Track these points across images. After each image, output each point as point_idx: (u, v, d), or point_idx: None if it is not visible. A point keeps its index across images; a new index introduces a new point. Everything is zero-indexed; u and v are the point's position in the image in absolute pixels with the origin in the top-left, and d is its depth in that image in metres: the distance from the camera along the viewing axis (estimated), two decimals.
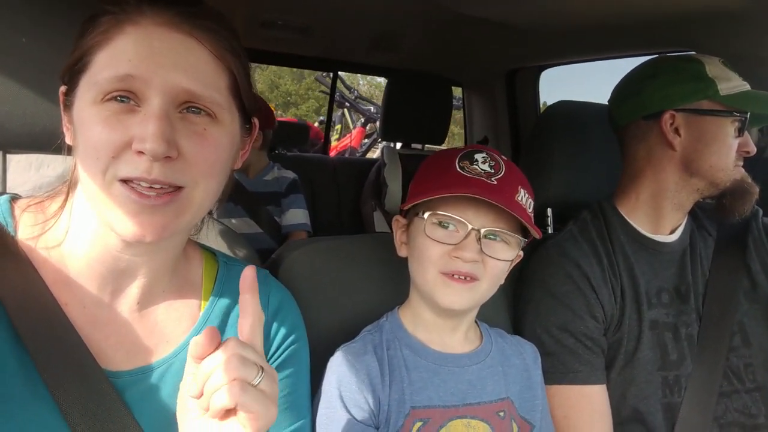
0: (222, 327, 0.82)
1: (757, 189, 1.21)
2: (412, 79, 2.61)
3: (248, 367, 0.61)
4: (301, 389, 0.88)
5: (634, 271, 1.20)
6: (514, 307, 1.27)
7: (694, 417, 1.13)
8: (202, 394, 0.61)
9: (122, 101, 0.66)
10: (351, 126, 6.50)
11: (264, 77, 18.94)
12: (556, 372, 1.13)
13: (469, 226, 0.93)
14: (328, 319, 1.09)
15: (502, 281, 1.00)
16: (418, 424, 0.93)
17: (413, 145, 2.77)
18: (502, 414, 0.98)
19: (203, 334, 0.61)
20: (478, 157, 0.98)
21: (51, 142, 0.77)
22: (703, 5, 1.32)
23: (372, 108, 6.01)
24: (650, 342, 1.16)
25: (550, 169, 1.45)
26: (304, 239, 2.10)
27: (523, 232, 0.99)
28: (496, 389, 0.99)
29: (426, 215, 0.96)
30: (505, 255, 0.97)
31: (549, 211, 1.74)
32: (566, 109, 1.53)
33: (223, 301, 0.83)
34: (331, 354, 0.98)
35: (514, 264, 1.02)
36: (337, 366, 0.95)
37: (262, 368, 0.62)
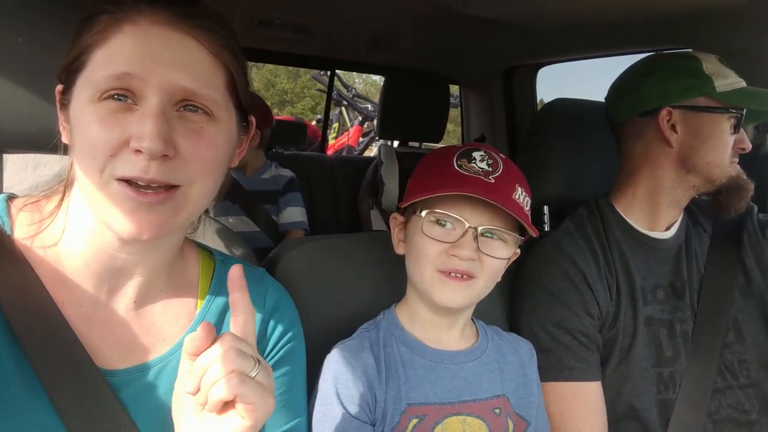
0: (218, 325, 0.82)
1: (752, 185, 1.22)
2: (410, 78, 2.61)
3: (245, 359, 0.62)
4: (297, 387, 0.89)
5: (630, 268, 1.21)
6: (511, 304, 1.27)
7: (688, 413, 1.13)
8: (198, 390, 0.61)
9: (119, 100, 0.66)
10: (348, 124, 6.49)
11: (260, 76, 18.98)
12: (551, 369, 1.14)
13: (467, 225, 0.93)
14: (324, 317, 1.09)
15: (499, 279, 1.01)
16: (414, 420, 0.93)
17: (410, 143, 2.77)
18: (497, 411, 0.98)
19: (199, 330, 0.62)
20: (476, 155, 0.98)
21: (48, 142, 0.77)
22: (700, 3, 1.33)
23: (369, 106, 6.00)
24: (645, 338, 1.17)
25: (547, 167, 1.45)
26: (302, 238, 2.10)
27: (521, 230, 0.99)
28: (491, 386, 1.00)
29: (423, 213, 0.96)
30: (502, 253, 0.97)
31: (546, 208, 1.75)
32: (563, 106, 1.53)
33: (220, 300, 0.83)
34: (328, 352, 0.98)
35: (511, 262, 1.02)
36: (334, 363, 0.95)
37: (258, 361, 0.63)
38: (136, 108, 0.66)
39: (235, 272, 0.66)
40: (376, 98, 6.25)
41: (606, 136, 1.36)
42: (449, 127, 2.75)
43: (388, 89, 2.60)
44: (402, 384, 0.95)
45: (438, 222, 0.96)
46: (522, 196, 0.97)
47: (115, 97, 0.66)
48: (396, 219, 1.07)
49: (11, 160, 1.12)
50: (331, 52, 2.67)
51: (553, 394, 1.13)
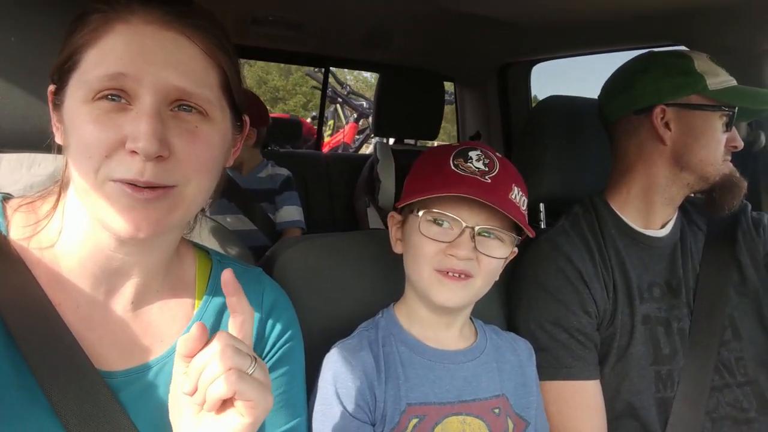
0: (216, 325, 0.82)
1: (745, 183, 1.23)
2: (405, 75, 2.61)
3: (242, 356, 0.62)
4: (296, 387, 0.88)
5: (626, 266, 1.21)
6: (508, 303, 1.27)
7: (686, 411, 1.14)
8: (196, 390, 0.61)
9: (113, 100, 0.66)
10: (343, 121, 6.48)
11: (252, 73, 19.04)
12: (549, 367, 1.14)
13: (464, 224, 0.93)
14: (322, 316, 1.09)
15: (497, 278, 1.01)
16: (414, 420, 0.93)
17: (406, 141, 2.77)
18: (497, 411, 0.99)
19: (192, 331, 0.62)
20: (473, 154, 0.98)
21: (42, 141, 0.76)
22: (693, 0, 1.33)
23: (364, 103, 5.99)
24: (643, 337, 1.17)
25: (543, 165, 1.45)
26: (299, 236, 2.10)
27: (518, 229, 0.99)
28: (491, 386, 1.00)
29: (421, 213, 0.96)
30: (499, 252, 0.97)
31: (541, 206, 1.75)
32: (558, 103, 1.53)
33: (217, 300, 0.83)
34: (326, 351, 0.98)
35: (508, 261, 1.03)
36: (333, 362, 0.95)
37: (255, 359, 0.63)
38: (131, 108, 0.66)
39: (227, 276, 0.65)
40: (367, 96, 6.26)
41: (601, 133, 1.37)
42: (442, 124, 2.75)
43: (383, 86, 2.60)
44: (401, 383, 0.95)
45: (435, 222, 0.96)
46: (518, 196, 0.97)
47: (109, 97, 0.65)
48: (393, 218, 1.07)
49: (5, 159, 1.11)
50: (325, 50, 2.66)
51: (552, 393, 1.13)
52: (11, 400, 0.65)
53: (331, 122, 6.53)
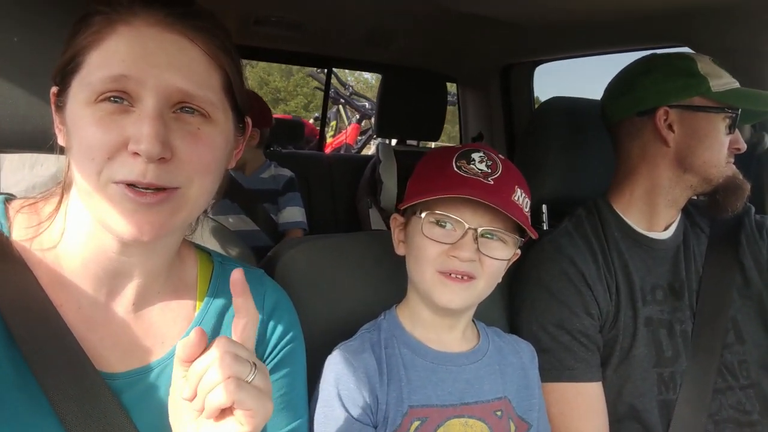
0: (217, 327, 0.82)
1: (748, 185, 1.22)
2: (407, 75, 2.61)
3: (242, 364, 0.61)
4: (297, 388, 0.88)
5: (629, 268, 1.21)
6: (510, 305, 1.27)
7: (689, 414, 1.14)
8: (195, 396, 0.61)
9: (116, 102, 0.65)
10: (346, 122, 6.48)
11: (253, 74, 19.17)
12: (552, 369, 1.14)
13: (466, 226, 0.93)
14: (324, 318, 1.09)
15: (500, 280, 1.01)
16: (416, 423, 0.93)
17: (408, 142, 2.77)
18: (499, 413, 0.98)
19: (191, 336, 0.61)
20: (475, 156, 0.98)
21: (44, 141, 0.76)
22: (696, 0, 1.33)
23: (367, 104, 5.99)
24: (645, 339, 1.17)
25: (545, 166, 1.45)
26: (301, 237, 2.10)
27: (521, 231, 0.98)
28: (493, 388, 1.00)
29: (423, 215, 0.96)
30: (502, 254, 0.97)
31: (544, 207, 1.75)
32: (561, 105, 1.53)
33: (218, 302, 0.83)
34: (328, 353, 0.98)
35: (511, 263, 1.02)
36: (335, 364, 0.95)
37: (255, 365, 0.63)
38: (133, 110, 0.66)
39: (237, 276, 0.65)
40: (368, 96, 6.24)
41: (603, 135, 1.36)
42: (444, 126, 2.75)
43: (385, 87, 2.60)
44: (404, 385, 0.95)
45: (438, 223, 0.96)
46: (521, 198, 0.97)
47: (112, 99, 0.65)
48: (396, 220, 1.06)
49: (7, 159, 1.12)
50: (327, 50, 2.66)
51: (554, 395, 1.13)
52: (12, 401, 0.65)
53: (333, 123, 6.52)
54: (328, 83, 3.43)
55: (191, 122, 0.69)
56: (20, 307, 0.68)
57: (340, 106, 6.41)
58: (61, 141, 0.72)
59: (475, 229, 0.93)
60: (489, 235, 0.95)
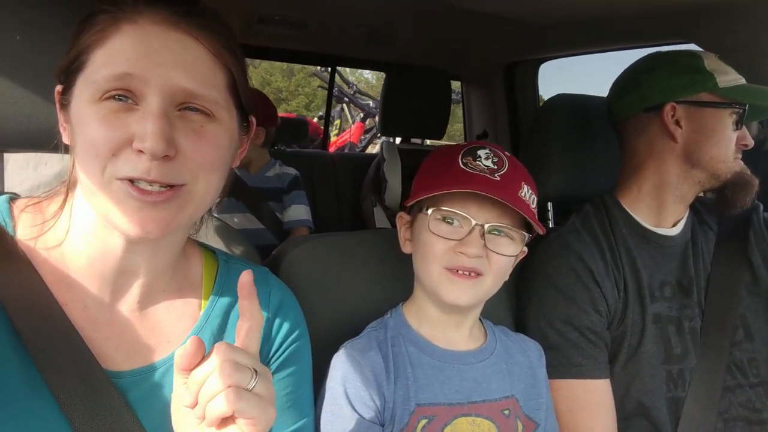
0: (222, 326, 0.82)
1: (756, 181, 1.22)
2: (411, 74, 2.60)
3: (242, 372, 0.60)
4: (303, 387, 0.88)
5: (637, 265, 1.20)
6: (517, 302, 1.27)
7: (698, 411, 1.13)
8: (196, 404, 0.60)
9: (120, 100, 0.65)
10: (350, 121, 6.48)
11: (256, 74, 19.35)
12: (559, 366, 1.13)
13: (473, 222, 0.93)
14: (330, 316, 1.08)
15: (507, 277, 1.00)
16: (423, 421, 0.93)
17: (413, 140, 2.77)
18: (507, 412, 0.98)
19: (188, 346, 0.60)
20: (481, 153, 0.98)
21: (48, 141, 0.76)
22: None
23: (371, 103, 5.99)
24: (653, 336, 1.16)
25: (550, 163, 1.44)
26: (305, 236, 2.10)
27: (527, 227, 0.98)
28: (500, 387, 0.99)
29: (430, 211, 0.95)
30: (509, 250, 0.96)
31: (549, 205, 1.74)
32: (565, 102, 1.52)
33: (224, 300, 0.83)
34: (334, 351, 0.98)
35: (518, 260, 1.02)
36: (342, 363, 0.95)
37: (256, 371, 0.61)
38: (137, 108, 0.66)
39: (246, 278, 0.64)
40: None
41: (608, 132, 1.36)
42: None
43: (389, 86, 2.59)
44: (411, 384, 0.94)
45: (445, 220, 0.95)
46: (528, 194, 0.97)
47: (116, 97, 0.65)
48: (402, 218, 1.06)
49: (12, 159, 1.12)
50: (331, 48, 2.66)
51: (562, 392, 1.12)
52: (18, 399, 0.65)
53: (337, 122, 6.52)
54: (331, 82, 3.43)
55: (195, 120, 0.69)
56: (25, 306, 0.68)
57: (344, 105, 6.41)
58: (65, 139, 0.72)
59: (482, 225, 0.93)
60: (496, 232, 0.95)
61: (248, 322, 0.65)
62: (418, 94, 2.56)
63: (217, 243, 1.07)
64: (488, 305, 1.05)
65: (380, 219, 2.52)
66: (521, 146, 2.52)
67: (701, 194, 1.27)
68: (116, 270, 0.73)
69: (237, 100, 0.75)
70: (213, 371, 0.59)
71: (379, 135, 4.97)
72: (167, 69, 0.66)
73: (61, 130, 0.73)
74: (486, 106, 2.74)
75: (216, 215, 1.16)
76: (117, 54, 0.66)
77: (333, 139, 6.08)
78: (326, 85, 3.50)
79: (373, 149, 5.75)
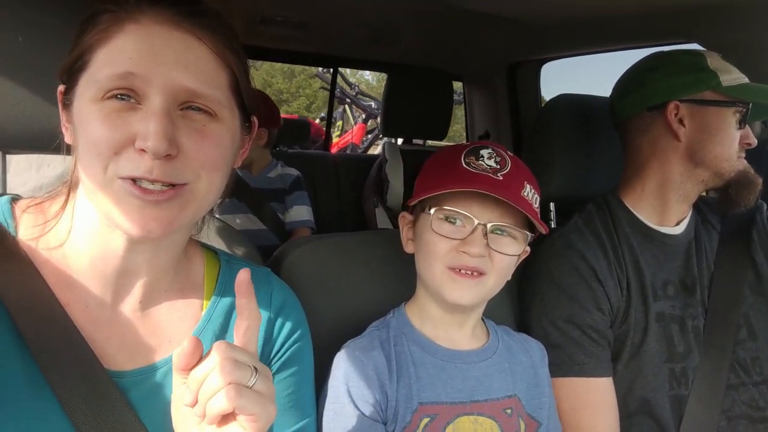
0: (224, 326, 0.82)
1: (760, 180, 1.22)
2: (413, 74, 2.60)
3: (242, 369, 0.60)
4: (305, 387, 0.88)
5: (640, 264, 1.20)
6: (520, 301, 1.27)
7: (701, 409, 1.13)
8: (196, 402, 0.60)
9: (122, 99, 0.65)
10: (352, 122, 6.49)
11: (257, 76, 19.44)
12: (562, 364, 1.13)
13: (476, 221, 0.92)
14: (332, 316, 1.08)
15: (509, 277, 1.00)
16: (426, 420, 0.93)
17: (414, 141, 2.76)
18: (509, 411, 0.98)
19: (185, 345, 0.60)
20: (484, 152, 0.98)
21: (50, 142, 0.76)
22: None
23: (373, 104, 6.00)
24: (656, 334, 1.16)
25: (552, 164, 1.44)
26: (307, 236, 2.10)
27: (530, 227, 0.98)
28: (503, 386, 0.99)
29: (432, 211, 0.95)
30: (511, 250, 0.96)
31: (552, 205, 1.74)
32: (567, 102, 1.52)
33: (225, 300, 0.83)
34: (336, 351, 0.98)
35: (521, 259, 1.02)
36: (344, 362, 0.95)
37: (256, 368, 0.62)
38: (140, 107, 0.66)
39: (243, 277, 0.64)
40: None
41: (611, 132, 1.36)
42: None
43: (391, 86, 2.59)
44: (413, 383, 0.94)
45: (447, 219, 0.95)
46: (531, 194, 0.97)
47: (119, 96, 0.65)
48: (405, 218, 1.06)
49: (14, 160, 1.12)
50: (333, 49, 2.66)
51: (564, 390, 1.12)
52: (21, 399, 0.65)
53: (339, 123, 6.53)
54: (333, 83, 3.43)
55: (198, 119, 0.69)
56: (27, 307, 0.68)
57: (346, 106, 6.42)
58: (67, 139, 0.72)
59: (485, 225, 0.92)
60: (499, 231, 0.95)
61: (246, 321, 0.65)
62: (420, 95, 2.56)
63: (218, 244, 1.07)
64: (490, 305, 1.04)
65: (382, 220, 2.52)
66: (523, 147, 2.51)
67: (704, 193, 1.27)
68: (118, 270, 0.73)
69: (239, 100, 0.75)
70: (213, 369, 0.59)
71: (381, 136, 4.97)
72: (170, 68, 0.66)
73: (64, 129, 0.73)
74: (488, 107, 2.74)
75: (218, 216, 1.16)
76: (120, 53, 0.66)
77: (335, 140, 6.09)
78: (328, 87, 3.50)
79: (375, 150, 5.76)
